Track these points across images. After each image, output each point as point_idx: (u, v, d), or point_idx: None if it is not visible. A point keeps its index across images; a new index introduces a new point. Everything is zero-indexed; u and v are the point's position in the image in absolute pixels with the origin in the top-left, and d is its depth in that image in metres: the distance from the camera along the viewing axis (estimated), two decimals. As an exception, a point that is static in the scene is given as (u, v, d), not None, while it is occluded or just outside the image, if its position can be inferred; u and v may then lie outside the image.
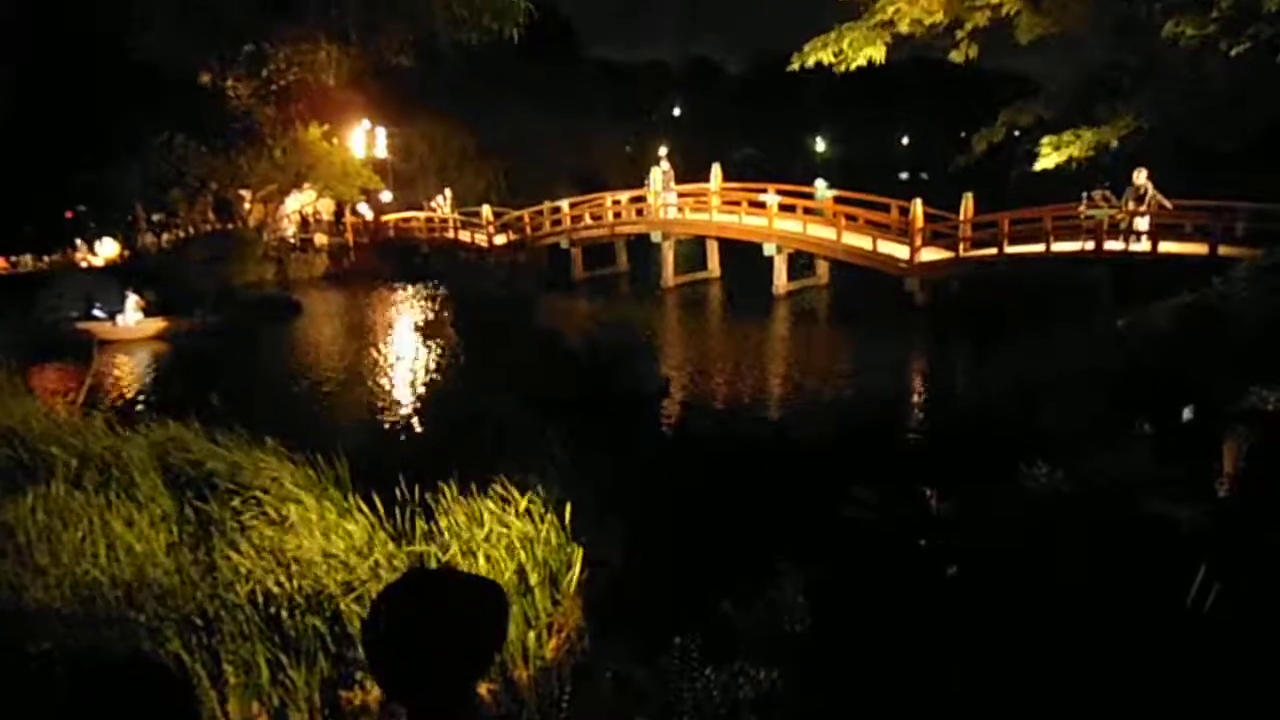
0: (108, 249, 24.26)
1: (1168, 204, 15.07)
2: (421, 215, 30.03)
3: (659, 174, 22.78)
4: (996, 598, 3.99)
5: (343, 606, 4.67)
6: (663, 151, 24.48)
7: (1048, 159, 14.40)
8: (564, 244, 24.82)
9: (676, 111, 59.50)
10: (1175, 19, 11.26)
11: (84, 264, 23.49)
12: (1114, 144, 14.43)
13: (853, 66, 13.11)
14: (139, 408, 11.67)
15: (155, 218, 25.55)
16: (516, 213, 26.46)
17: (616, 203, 24.37)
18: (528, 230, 25.89)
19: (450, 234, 28.52)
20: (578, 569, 5.36)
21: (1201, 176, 15.59)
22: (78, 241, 23.41)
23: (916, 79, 54.09)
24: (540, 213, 25.58)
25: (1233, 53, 10.61)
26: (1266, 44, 10.26)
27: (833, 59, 13.06)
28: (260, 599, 4.73)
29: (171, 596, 4.70)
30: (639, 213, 23.49)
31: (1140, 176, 15.14)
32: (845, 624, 4.19)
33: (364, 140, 30.25)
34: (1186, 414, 4.77)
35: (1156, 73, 14.43)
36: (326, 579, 4.93)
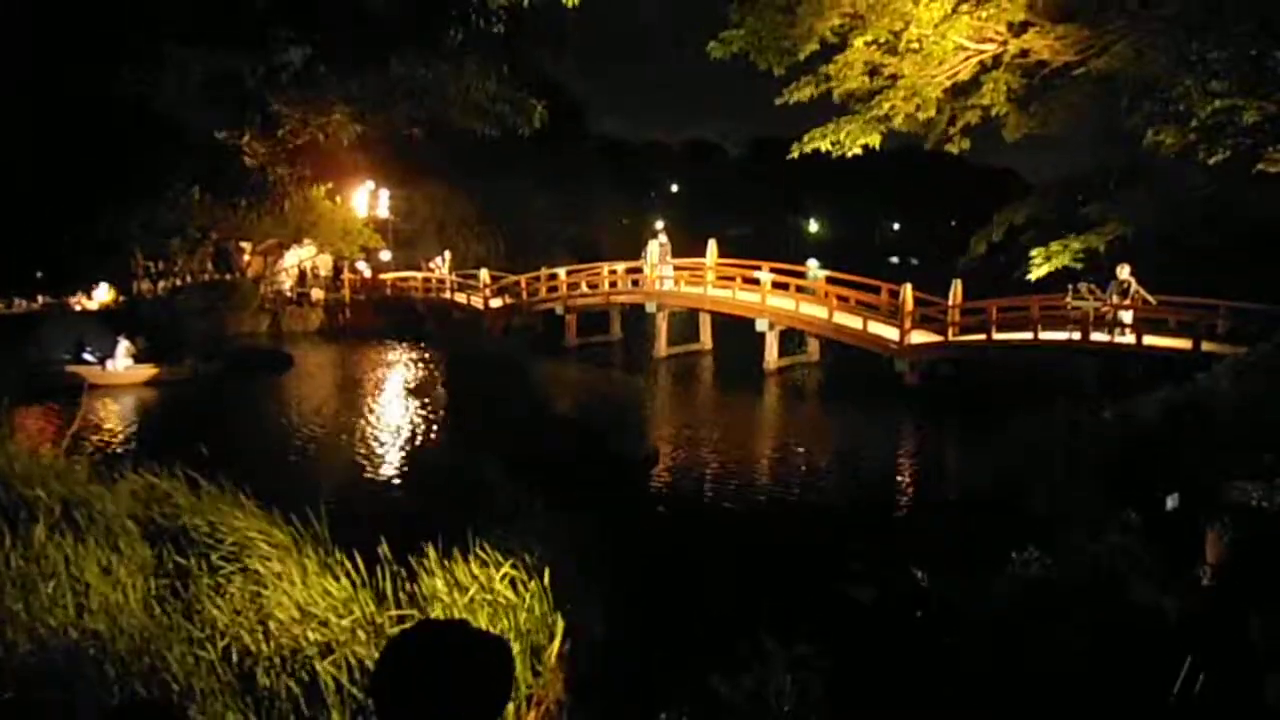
0: (102, 293, 24.35)
1: (1151, 299, 15.43)
2: (420, 275, 30.36)
3: (656, 247, 23.20)
4: (984, 678, 3.97)
5: (319, 667, 4.57)
6: (659, 225, 24.96)
7: (1039, 269, 14.85)
8: (559, 310, 25.06)
9: (675, 188, 60.86)
10: (1156, 127, 11.74)
11: (77, 307, 23.54)
12: (1101, 249, 14.89)
13: (849, 154, 13.56)
14: (124, 455, 11.54)
15: (152, 265, 25.73)
16: (514, 277, 26.79)
17: (613, 273, 24.73)
18: (524, 295, 26.17)
19: (447, 295, 28.79)
20: (560, 639, 5.28)
21: (1184, 272, 15.99)
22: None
23: (906, 168, 55.64)
24: (537, 279, 25.91)
25: (1211, 162, 11.02)
26: (1245, 154, 10.67)
27: (831, 148, 13.51)
28: (235, 656, 4.63)
29: (144, 649, 4.59)
30: (635, 283, 23.83)
31: (1124, 272, 15.53)
32: (833, 703, 4.13)
33: (367, 200, 30.77)
34: (1171, 502, 4.83)
35: (1140, 177, 14.96)
36: (304, 638, 4.84)
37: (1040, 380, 15.68)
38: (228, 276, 28.22)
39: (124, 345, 18.33)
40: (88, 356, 18.19)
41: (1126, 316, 15.42)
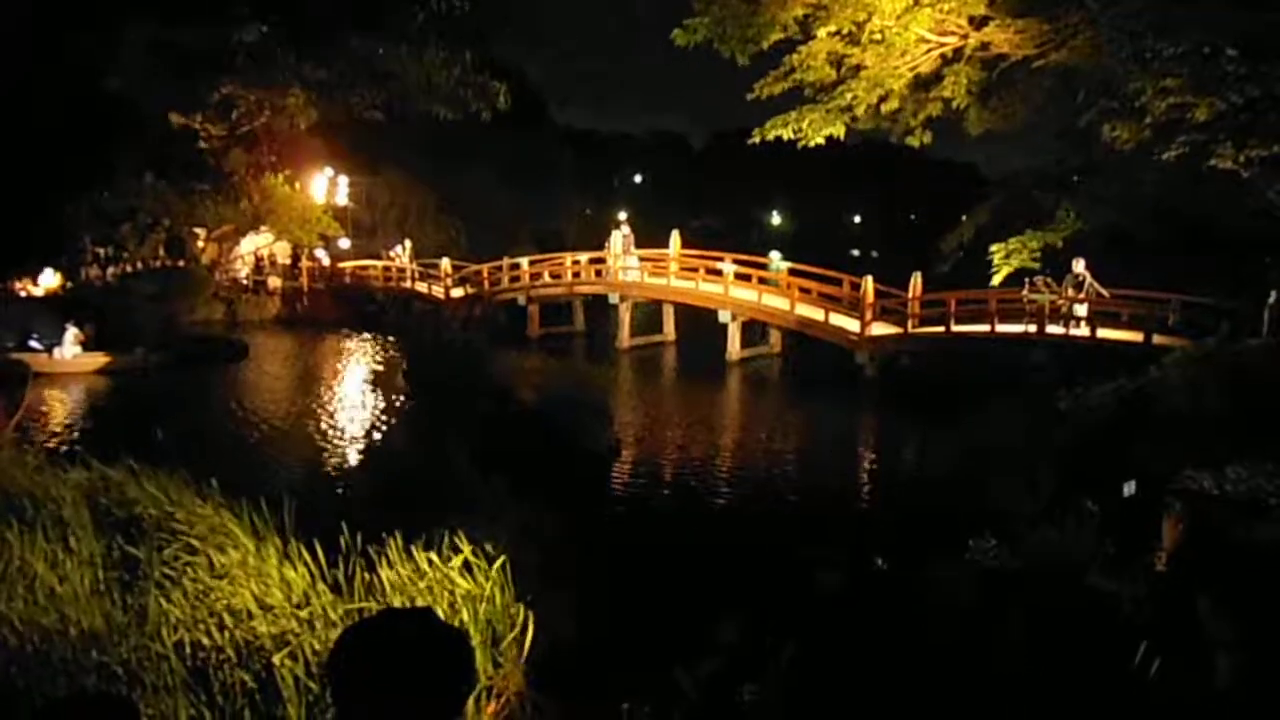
0: (48, 279, 23.60)
1: (1104, 293, 15.78)
2: (379, 264, 29.92)
3: (619, 237, 23.14)
4: (946, 665, 4.03)
5: (275, 661, 4.48)
6: (623, 216, 24.88)
7: (1001, 269, 15.00)
8: (521, 300, 24.88)
9: (639, 179, 60.76)
10: (1112, 123, 11.97)
11: (23, 293, 22.78)
12: (1059, 245, 15.11)
13: (812, 143, 13.61)
14: (72, 444, 11.21)
15: (101, 250, 24.98)
16: (476, 267, 26.53)
17: (576, 263, 24.62)
18: (486, 285, 25.93)
19: (407, 284, 28.43)
20: (520, 630, 5.24)
21: (1137, 266, 16.37)
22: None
23: (868, 162, 56.24)
24: (499, 268, 25.70)
25: (1165, 157, 11.28)
26: (1196, 150, 10.93)
27: (793, 135, 13.55)
28: (188, 649, 4.52)
29: (93, 643, 4.46)
30: (598, 274, 23.74)
31: (1078, 266, 15.86)
32: (795, 691, 4.16)
33: (326, 187, 30.19)
34: (1128, 489, 4.93)
35: (1096, 171, 15.24)
36: (260, 631, 4.74)
37: (998, 372, 15.96)
38: (181, 263, 27.52)
39: (72, 333, 17.80)
40: (34, 344, 17.64)
41: (1081, 310, 15.75)
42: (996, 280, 15.32)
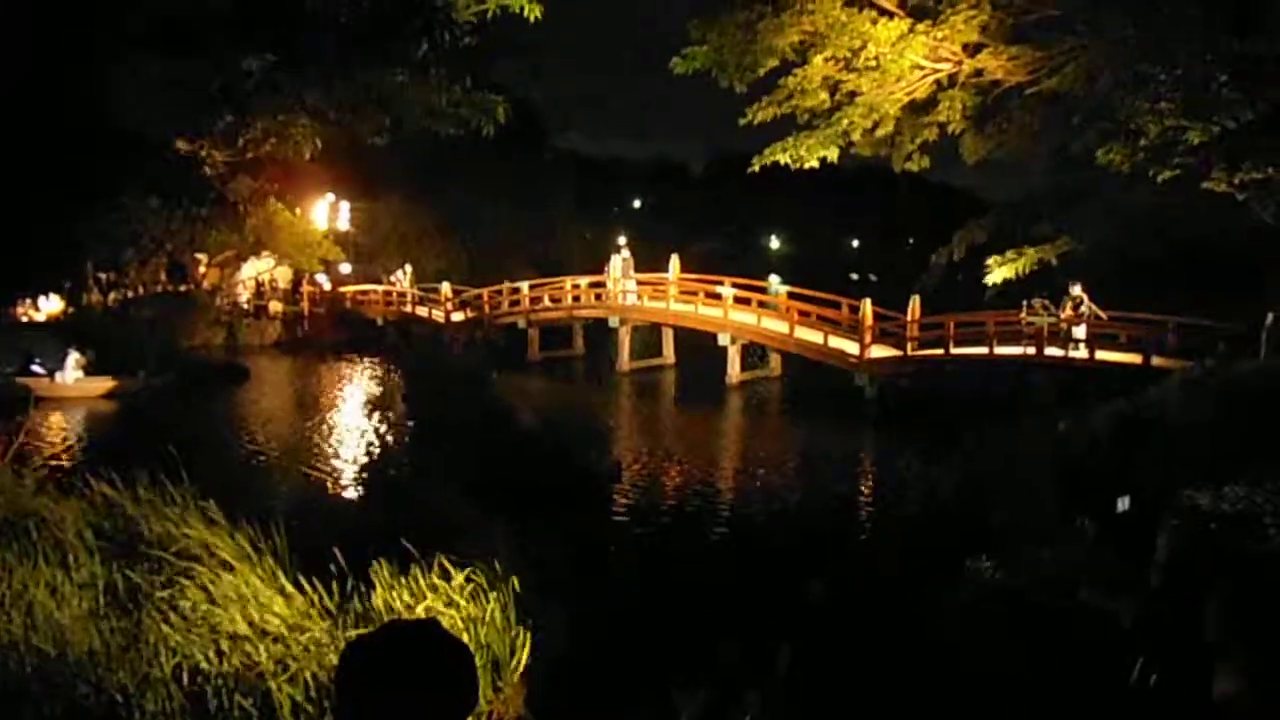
0: (50, 304, 23.71)
1: (1102, 315, 15.84)
2: (380, 288, 30.05)
3: (619, 261, 23.26)
4: (942, 684, 4.02)
5: (273, 686, 4.47)
6: (622, 240, 25.02)
7: (995, 275, 15.09)
8: (521, 324, 24.96)
9: (638, 204, 61.15)
10: (1107, 147, 12.09)
11: (24, 318, 22.89)
12: (1054, 261, 15.21)
13: (807, 165, 13.75)
14: (72, 468, 11.20)
15: (103, 276, 25.09)
16: (476, 291, 26.64)
17: (576, 287, 24.73)
18: (486, 309, 26.03)
19: (408, 308, 28.54)
20: (522, 654, 5.22)
21: (1134, 286, 16.45)
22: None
23: (866, 187, 56.66)
24: (500, 292, 25.81)
25: (1160, 179, 11.37)
26: (1191, 173, 11.03)
27: (791, 161, 13.70)
28: (186, 675, 4.50)
29: (92, 668, 4.45)
30: (598, 298, 23.83)
31: (1076, 288, 15.93)
32: (794, 711, 4.14)
33: (327, 212, 30.40)
34: (1122, 505, 4.94)
35: (1091, 194, 15.36)
36: (258, 655, 4.72)
37: (996, 394, 15.97)
38: (182, 288, 27.66)
39: (73, 357, 17.87)
40: (36, 369, 17.70)
41: (1079, 332, 15.80)
42: (990, 280, 15.31)
